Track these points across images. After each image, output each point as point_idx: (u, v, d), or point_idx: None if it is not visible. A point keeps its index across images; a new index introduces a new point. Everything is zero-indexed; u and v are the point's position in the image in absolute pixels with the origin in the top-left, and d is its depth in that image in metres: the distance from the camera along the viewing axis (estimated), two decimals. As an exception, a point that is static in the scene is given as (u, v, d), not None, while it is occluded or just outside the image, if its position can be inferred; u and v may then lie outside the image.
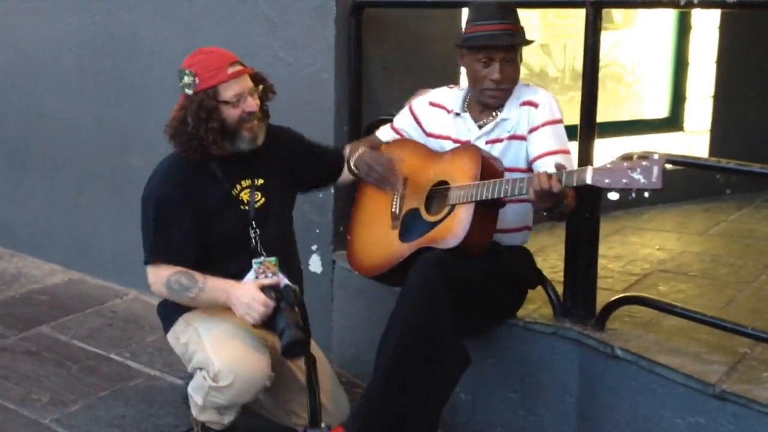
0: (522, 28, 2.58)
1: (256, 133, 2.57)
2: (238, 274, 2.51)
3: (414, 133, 2.79)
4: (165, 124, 2.56)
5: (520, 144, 2.57)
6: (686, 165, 2.57)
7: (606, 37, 4.03)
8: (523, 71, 4.59)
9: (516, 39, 2.52)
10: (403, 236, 2.58)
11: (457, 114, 2.67)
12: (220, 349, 2.45)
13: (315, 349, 2.77)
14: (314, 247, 3.40)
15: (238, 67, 2.54)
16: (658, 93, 4.66)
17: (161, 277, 2.52)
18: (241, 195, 2.61)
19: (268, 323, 2.42)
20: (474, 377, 2.64)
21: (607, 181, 2.13)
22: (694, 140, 4.67)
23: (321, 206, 3.36)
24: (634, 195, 2.11)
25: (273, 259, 2.55)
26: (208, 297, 2.49)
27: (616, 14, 4.42)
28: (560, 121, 2.56)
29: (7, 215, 4.78)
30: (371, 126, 3.17)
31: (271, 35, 3.45)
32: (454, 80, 3.63)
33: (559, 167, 2.26)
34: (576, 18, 3.92)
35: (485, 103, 2.60)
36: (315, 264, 3.41)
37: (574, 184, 2.22)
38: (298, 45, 3.38)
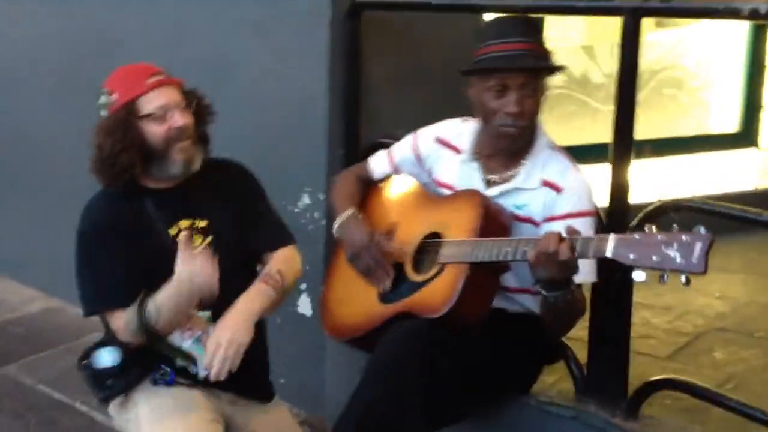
0: (548, 51, 2.12)
1: (190, 156, 2.25)
2: None
3: (414, 173, 2.37)
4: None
5: (532, 230, 2.13)
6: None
7: (665, 36, 3.60)
8: (561, 78, 4.25)
9: (540, 62, 2.09)
10: (384, 296, 2.20)
11: (466, 159, 2.25)
12: (156, 428, 2.13)
13: (280, 408, 2.44)
14: (303, 287, 3.05)
15: (161, 77, 2.24)
16: (728, 102, 4.20)
17: (119, 326, 2.18)
18: (179, 237, 2.25)
19: None
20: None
21: (632, 256, 1.73)
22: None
23: (310, 239, 2.99)
24: (666, 278, 1.72)
25: (205, 314, 2.22)
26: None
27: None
28: (590, 214, 2.12)
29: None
30: (371, 148, 2.80)
31: (259, 42, 3.10)
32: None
33: (572, 231, 1.86)
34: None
35: (498, 146, 2.18)
36: (304, 306, 3.07)
37: (590, 256, 1.83)
38: (288, 53, 3.02)
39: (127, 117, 2.19)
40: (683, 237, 1.69)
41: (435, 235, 2.16)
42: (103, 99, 2.22)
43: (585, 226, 2.06)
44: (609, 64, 3.84)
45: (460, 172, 2.26)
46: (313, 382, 3.04)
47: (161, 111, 2.21)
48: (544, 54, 2.11)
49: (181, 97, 2.27)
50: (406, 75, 3.03)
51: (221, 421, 2.24)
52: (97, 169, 2.23)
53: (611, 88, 3.92)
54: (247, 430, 2.32)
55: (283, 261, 2.33)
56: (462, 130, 2.30)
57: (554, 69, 2.14)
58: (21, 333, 3.82)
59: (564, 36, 3.96)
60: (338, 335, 2.33)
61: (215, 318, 2.22)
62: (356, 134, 2.95)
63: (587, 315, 2.27)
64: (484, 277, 2.04)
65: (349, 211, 2.31)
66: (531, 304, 2.23)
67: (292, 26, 3.00)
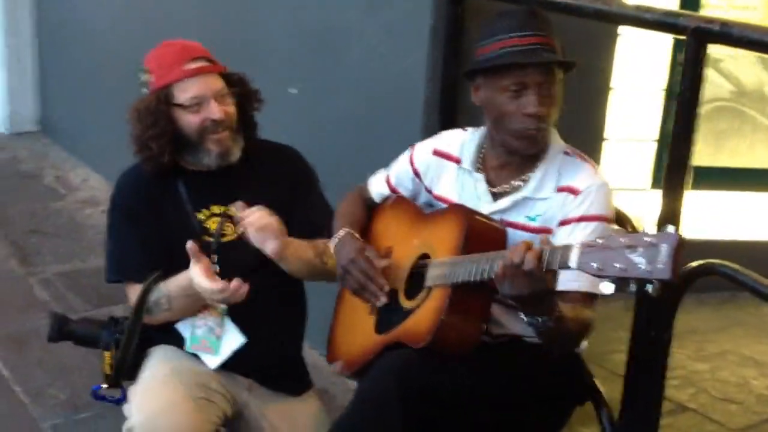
0: (560, 47, 1.98)
1: (227, 147, 2.23)
2: None
3: (412, 190, 2.24)
4: None
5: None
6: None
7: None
8: (729, 88, 3.84)
9: (557, 57, 1.95)
10: (379, 326, 2.09)
11: (467, 170, 2.10)
12: (143, 399, 2.17)
13: (308, 404, 2.42)
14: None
15: (202, 63, 2.20)
16: None
17: (133, 301, 2.28)
18: (207, 222, 2.28)
19: None
20: None
21: (595, 265, 1.56)
22: None
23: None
24: (634, 287, 1.54)
25: (221, 307, 2.23)
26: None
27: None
28: (605, 220, 1.96)
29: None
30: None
31: (369, 18, 3.06)
32: (585, 92, 3.04)
33: (544, 241, 1.72)
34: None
35: (515, 149, 2.02)
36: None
37: (556, 267, 1.67)
38: (394, 33, 2.97)
39: (158, 104, 2.18)
40: (647, 239, 1.49)
41: (425, 257, 2.04)
42: (142, 77, 2.23)
43: (598, 232, 1.91)
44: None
45: (461, 184, 2.11)
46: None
47: (195, 101, 2.18)
48: (557, 49, 1.96)
49: (221, 85, 2.22)
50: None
51: (224, 402, 2.25)
52: (132, 147, 2.27)
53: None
54: (260, 420, 2.31)
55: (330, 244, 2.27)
56: (464, 139, 2.15)
57: (569, 65, 1.99)
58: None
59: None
60: (344, 370, 2.21)
61: (230, 311, 2.25)
62: (452, 121, 2.82)
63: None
64: (469, 298, 1.90)
65: (343, 231, 2.17)
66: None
67: (400, 5, 2.93)
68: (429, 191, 2.19)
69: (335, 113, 3.28)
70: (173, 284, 2.20)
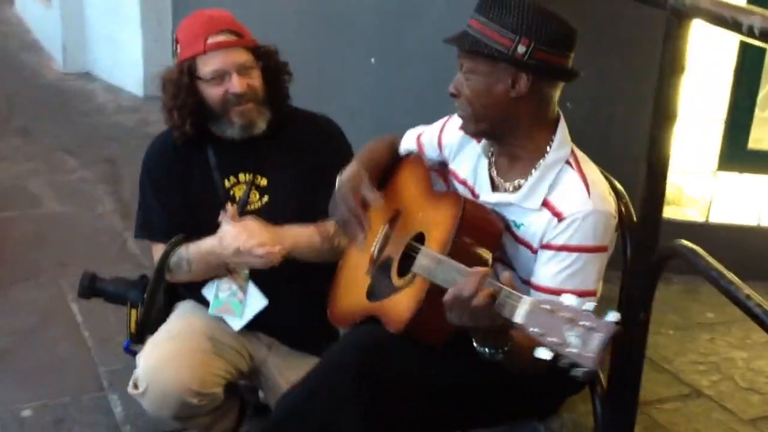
0: (520, 38, 1.81)
1: (250, 119, 2.27)
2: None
3: (433, 158, 2.21)
4: None
5: (530, 256, 1.91)
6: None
7: None
8: None
9: (477, 45, 1.84)
10: (370, 291, 2.07)
11: (480, 154, 2.05)
12: (151, 349, 2.28)
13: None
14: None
15: (226, 37, 2.22)
16: None
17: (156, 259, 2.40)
18: (234, 190, 2.34)
19: None
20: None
21: (535, 329, 1.52)
22: None
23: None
24: (566, 362, 1.49)
25: (244, 271, 2.29)
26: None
27: None
28: (588, 250, 1.83)
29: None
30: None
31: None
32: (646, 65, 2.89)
33: (507, 280, 1.64)
34: None
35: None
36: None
37: (503, 314, 1.60)
38: (458, 6, 2.92)
39: (182, 76, 2.25)
40: (586, 322, 1.45)
41: (421, 237, 1.99)
42: (174, 46, 2.31)
43: (578, 264, 1.81)
44: None
45: (474, 166, 2.07)
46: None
47: (216, 74, 2.22)
48: (498, 40, 1.82)
49: (245, 58, 2.25)
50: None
51: (237, 357, 2.34)
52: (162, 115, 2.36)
53: None
54: (277, 377, 2.38)
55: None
56: None
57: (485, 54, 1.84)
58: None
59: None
60: (336, 322, 2.24)
61: (253, 275, 2.32)
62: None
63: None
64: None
65: (354, 165, 2.12)
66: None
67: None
68: (446, 165, 2.18)
69: (407, 82, 3.30)
70: (194, 249, 2.29)
